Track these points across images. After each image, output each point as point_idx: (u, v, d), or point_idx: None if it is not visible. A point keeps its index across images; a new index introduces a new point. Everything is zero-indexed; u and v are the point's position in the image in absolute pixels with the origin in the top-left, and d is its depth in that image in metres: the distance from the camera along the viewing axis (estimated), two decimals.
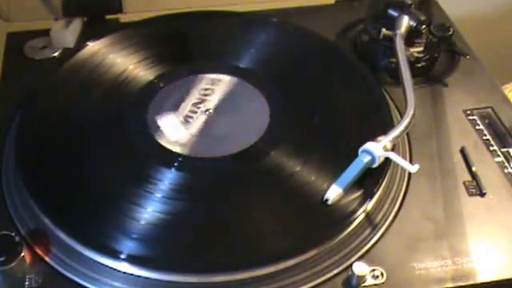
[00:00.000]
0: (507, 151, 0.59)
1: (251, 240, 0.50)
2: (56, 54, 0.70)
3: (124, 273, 0.48)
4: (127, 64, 0.65)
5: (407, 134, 0.59)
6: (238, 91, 0.63)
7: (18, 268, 0.47)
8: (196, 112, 0.61)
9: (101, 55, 0.65)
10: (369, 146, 0.53)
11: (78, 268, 0.48)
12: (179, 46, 0.69)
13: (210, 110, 0.61)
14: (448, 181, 0.56)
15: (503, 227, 0.53)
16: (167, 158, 0.55)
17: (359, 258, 0.50)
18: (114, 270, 0.48)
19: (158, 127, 0.58)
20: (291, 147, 0.56)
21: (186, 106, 0.61)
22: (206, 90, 0.62)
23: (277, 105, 0.61)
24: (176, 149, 0.56)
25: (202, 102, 0.62)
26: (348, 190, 0.52)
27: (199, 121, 0.60)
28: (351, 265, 0.48)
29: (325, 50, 0.68)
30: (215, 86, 0.63)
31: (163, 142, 0.57)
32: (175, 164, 0.55)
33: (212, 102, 0.62)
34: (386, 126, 0.56)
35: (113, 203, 0.52)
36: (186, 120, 0.60)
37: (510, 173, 0.57)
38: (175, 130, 0.58)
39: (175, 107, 0.61)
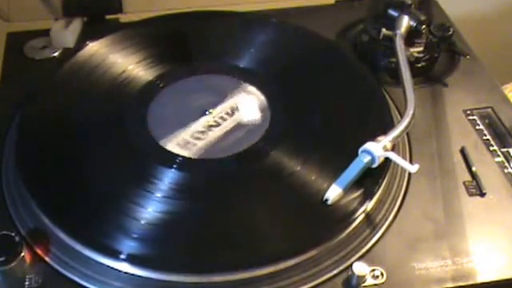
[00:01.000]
0: (507, 151, 0.59)
1: (251, 240, 0.50)
2: (56, 54, 0.70)
3: (124, 273, 0.48)
4: (127, 64, 0.65)
5: (407, 134, 0.59)
6: (237, 91, 0.63)
7: (18, 268, 0.47)
8: (196, 113, 0.60)
9: (101, 55, 0.65)
10: (369, 145, 0.53)
11: (78, 268, 0.48)
12: (179, 46, 0.69)
13: (210, 110, 0.61)
14: (448, 181, 0.56)
15: (503, 227, 0.53)
16: (167, 157, 0.55)
17: (359, 258, 0.50)
18: (114, 269, 0.48)
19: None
20: (291, 147, 0.56)
21: (198, 127, 0.60)
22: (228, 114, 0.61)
23: (277, 105, 0.61)
24: (176, 150, 0.56)
25: (217, 125, 0.60)
26: (348, 190, 0.52)
27: (199, 122, 0.60)
28: (351, 265, 0.48)
29: (325, 50, 0.68)
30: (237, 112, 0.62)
31: (163, 143, 0.57)
32: (175, 164, 0.55)
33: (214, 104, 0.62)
34: (385, 126, 0.56)
35: (113, 203, 0.52)
36: (187, 122, 0.60)
37: (510, 173, 0.57)
38: (185, 148, 0.57)
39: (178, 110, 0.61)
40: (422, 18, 0.65)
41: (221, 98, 0.62)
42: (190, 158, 0.55)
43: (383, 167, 0.54)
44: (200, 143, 0.57)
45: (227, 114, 0.60)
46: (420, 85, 0.66)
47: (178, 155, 0.55)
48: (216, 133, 0.58)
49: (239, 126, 0.59)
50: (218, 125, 0.59)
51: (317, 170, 0.54)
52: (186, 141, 0.57)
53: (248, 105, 0.60)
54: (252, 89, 0.62)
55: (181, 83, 0.64)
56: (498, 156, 0.59)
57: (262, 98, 0.62)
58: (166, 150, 0.56)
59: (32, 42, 0.71)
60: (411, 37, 0.66)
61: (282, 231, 0.51)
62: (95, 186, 0.53)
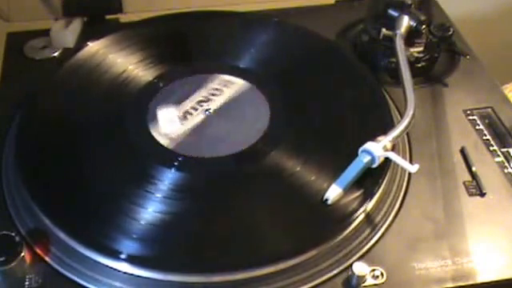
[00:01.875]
0: (507, 151, 0.59)
1: (251, 240, 0.50)
2: (56, 54, 0.70)
3: (124, 273, 0.48)
4: (127, 64, 0.65)
5: (407, 134, 0.59)
6: (237, 91, 0.63)
7: (18, 268, 0.47)
8: (197, 110, 0.60)
9: (101, 55, 0.65)
10: (369, 145, 0.53)
11: (78, 268, 0.48)
12: (179, 46, 0.69)
13: (210, 110, 0.61)
14: (448, 181, 0.56)
15: (503, 227, 0.53)
16: (167, 157, 0.55)
17: (359, 258, 0.50)
18: (114, 269, 0.48)
19: (156, 117, 0.58)
20: (291, 147, 0.56)
21: (190, 103, 0.61)
22: (216, 90, 0.62)
23: (277, 105, 0.61)
24: (174, 147, 0.56)
25: (208, 101, 0.62)
26: (348, 190, 0.52)
27: (197, 119, 0.60)
28: (351, 265, 0.48)
29: (325, 50, 0.68)
30: (225, 88, 0.63)
31: (156, 135, 0.57)
32: (175, 164, 0.55)
33: (215, 102, 0.62)
34: (385, 126, 0.56)
35: (113, 203, 0.52)
36: (185, 116, 0.60)
37: (510, 173, 0.57)
38: (170, 123, 0.58)
39: (178, 101, 0.61)
40: (422, 18, 0.65)
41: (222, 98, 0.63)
42: (190, 158, 0.55)
43: (383, 167, 0.54)
44: (187, 124, 0.59)
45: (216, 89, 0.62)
46: (420, 85, 0.66)
47: (178, 155, 0.55)
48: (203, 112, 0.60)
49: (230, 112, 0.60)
50: (208, 100, 0.61)
51: (317, 170, 0.54)
52: (176, 117, 0.58)
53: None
54: (260, 96, 0.63)
55: (181, 83, 0.64)
56: (498, 156, 0.59)
57: (264, 102, 0.62)
58: (166, 149, 0.56)
59: (32, 42, 0.71)
60: (411, 37, 0.66)
61: (282, 231, 0.51)
62: (95, 186, 0.53)
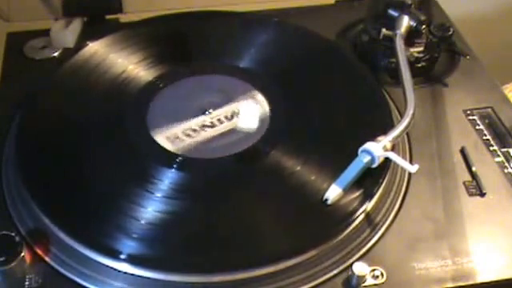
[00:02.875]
0: (507, 151, 0.59)
1: (251, 240, 0.50)
2: (56, 54, 0.70)
3: (124, 273, 0.48)
4: (127, 64, 0.65)
5: (407, 134, 0.59)
6: (237, 91, 0.63)
7: (18, 268, 0.47)
8: (196, 113, 0.60)
9: (101, 55, 0.65)
10: (368, 145, 0.53)
11: (78, 268, 0.48)
12: (179, 46, 0.69)
13: (210, 110, 0.61)
14: (448, 181, 0.56)
15: (503, 227, 0.53)
16: (167, 157, 0.55)
17: (359, 258, 0.50)
18: (114, 269, 0.48)
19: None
20: (291, 147, 0.56)
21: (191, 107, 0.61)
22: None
23: (277, 105, 0.61)
24: (175, 148, 0.56)
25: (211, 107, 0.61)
26: (348, 190, 0.52)
27: (195, 120, 0.60)
28: (351, 265, 0.48)
29: (325, 50, 0.68)
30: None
31: (160, 140, 0.57)
32: (175, 164, 0.55)
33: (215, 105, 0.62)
34: (385, 126, 0.56)
35: (113, 203, 0.52)
36: (186, 118, 0.60)
37: (510, 173, 0.57)
38: (170, 128, 0.58)
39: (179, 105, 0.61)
40: (422, 18, 0.65)
41: (223, 99, 0.62)
42: (190, 158, 0.55)
43: (383, 167, 0.54)
44: (189, 140, 0.57)
45: (226, 117, 0.60)
46: (420, 85, 0.66)
47: (178, 155, 0.55)
48: (208, 133, 0.58)
49: (233, 131, 0.59)
50: (213, 126, 0.59)
51: (317, 170, 0.54)
52: (176, 135, 0.57)
53: (250, 112, 0.60)
54: (259, 96, 0.62)
55: (181, 83, 0.64)
56: (498, 156, 0.59)
57: (264, 102, 0.61)
58: (166, 149, 0.56)
59: (32, 42, 0.71)
60: (411, 37, 0.66)
61: (282, 231, 0.51)
62: (95, 186, 0.53)
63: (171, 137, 0.57)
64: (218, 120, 0.60)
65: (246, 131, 0.57)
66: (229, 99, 0.62)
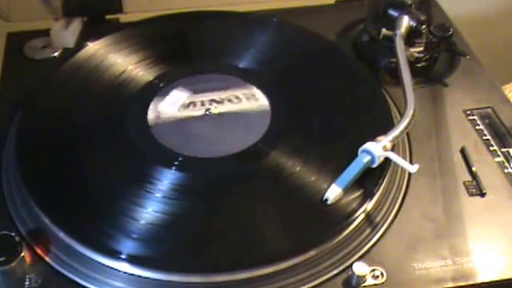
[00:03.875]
0: (507, 151, 0.59)
1: (251, 240, 0.50)
2: (56, 54, 0.70)
3: (124, 273, 0.48)
4: (127, 64, 0.65)
5: (407, 134, 0.59)
6: (237, 91, 0.63)
7: (18, 268, 0.47)
8: (197, 107, 0.61)
9: (101, 55, 0.65)
10: (368, 145, 0.53)
11: (78, 268, 0.48)
12: (179, 46, 0.69)
13: (210, 110, 0.61)
14: (448, 181, 0.56)
15: (503, 227, 0.53)
16: (167, 157, 0.55)
17: (359, 258, 0.50)
18: (114, 269, 0.48)
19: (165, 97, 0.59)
20: (291, 147, 0.56)
21: (202, 97, 0.62)
22: (236, 98, 0.62)
23: (277, 105, 0.61)
24: (176, 148, 0.56)
25: (219, 102, 0.62)
26: (348, 190, 0.52)
27: (196, 113, 0.60)
28: (351, 265, 0.48)
29: (325, 50, 0.68)
30: (245, 100, 0.63)
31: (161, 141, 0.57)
32: (175, 164, 0.55)
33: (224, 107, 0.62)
34: (385, 126, 0.56)
35: (113, 203, 0.52)
36: (188, 105, 0.61)
37: (510, 173, 0.57)
38: (171, 106, 0.59)
39: (193, 91, 0.62)
40: (422, 18, 0.65)
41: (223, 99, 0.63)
42: (190, 158, 0.55)
43: (383, 167, 0.54)
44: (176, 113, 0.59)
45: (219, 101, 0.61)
46: (420, 85, 0.66)
47: (178, 155, 0.55)
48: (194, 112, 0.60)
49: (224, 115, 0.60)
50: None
51: (317, 170, 0.54)
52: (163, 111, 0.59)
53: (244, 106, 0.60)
54: (259, 96, 0.62)
55: (181, 83, 0.64)
56: (498, 156, 0.59)
57: (264, 102, 0.61)
58: (166, 149, 0.56)
59: (32, 42, 0.71)
60: (411, 37, 0.66)
61: (282, 231, 0.51)
62: (95, 186, 0.53)
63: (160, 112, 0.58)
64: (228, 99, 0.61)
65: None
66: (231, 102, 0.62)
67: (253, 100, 0.62)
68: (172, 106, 0.61)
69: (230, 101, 0.62)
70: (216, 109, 0.61)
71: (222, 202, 0.53)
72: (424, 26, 0.66)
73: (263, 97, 0.62)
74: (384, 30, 0.66)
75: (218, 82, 0.64)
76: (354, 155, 0.53)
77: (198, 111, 0.61)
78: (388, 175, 0.54)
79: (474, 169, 0.57)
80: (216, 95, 0.62)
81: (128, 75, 0.64)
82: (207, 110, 0.61)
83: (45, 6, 0.71)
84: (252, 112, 0.61)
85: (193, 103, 0.61)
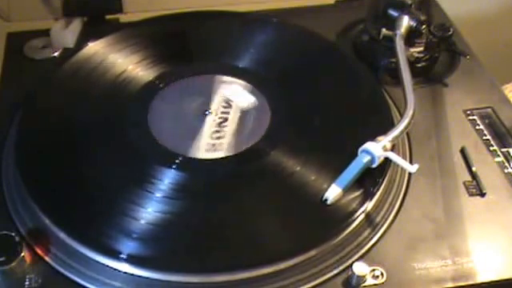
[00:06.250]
0: (507, 151, 0.59)
1: (251, 240, 0.50)
2: (56, 54, 0.70)
3: (124, 273, 0.48)
4: (127, 64, 0.65)
5: (407, 134, 0.59)
6: (237, 91, 0.63)
7: (18, 268, 0.47)
8: (197, 113, 0.61)
9: (101, 55, 0.65)
10: (368, 145, 0.53)
11: (78, 268, 0.48)
12: (179, 46, 0.69)
13: (210, 110, 0.61)
14: (448, 181, 0.56)
15: (503, 227, 0.53)
16: (167, 157, 0.55)
17: (359, 258, 0.50)
18: (114, 269, 0.48)
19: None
20: (291, 147, 0.56)
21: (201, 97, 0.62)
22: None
23: (277, 105, 0.61)
24: (209, 155, 0.56)
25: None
26: (348, 190, 0.52)
27: (207, 124, 0.60)
28: (351, 265, 0.48)
29: (325, 49, 0.68)
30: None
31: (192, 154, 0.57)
32: (175, 164, 0.55)
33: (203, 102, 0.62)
34: (385, 126, 0.56)
35: (113, 203, 0.52)
36: (188, 105, 0.61)
37: (510, 173, 0.57)
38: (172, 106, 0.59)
39: (193, 91, 0.63)
40: (422, 18, 0.65)
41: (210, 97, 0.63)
42: (190, 158, 0.55)
43: (383, 167, 0.54)
44: (225, 140, 0.57)
45: (225, 107, 0.61)
46: (420, 85, 0.66)
47: (178, 155, 0.55)
48: (230, 126, 0.59)
49: (244, 113, 0.60)
50: (226, 120, 0.60)
51: (317, 170, 0.54)
52: (211, 144, 0.57)
53: (236, 92, 0.60)
54: (259, 96, 0.62)
55: (181, 83, 0.64)
56: (498, 156, 0.59)
57: (264, 102, 0.62)
58: (166, 149, 0.56)
59: (32, 42, 0.71)
60: (411, 37, 0.66)
61: (282, 231, 0.51)
62: (95, 186, 0.53)
63: (208, 148, 0.57)
64: (223, 113, 0.60)
65: (252, 106, 0.58)
66: (213, 94, 0.62)
67: (253, 100, 0.62)
68: (172, 105, 0.61)
69: (229, 101, 0.62)
70: (216, 109, 0.61)
71: (221, 201, 0.53)
72: (424, 26, 0.66)
73: (263, 97, 0.62)
74: (384, 30, 0.66)
75: (218, 82, 0.64)
76: (353, 155, 0.53)
77: (198, 111, 0.61)
78: (388, 175, 0.54)
79: (474, 169, 0.57)
80: (216, 95, 0.62)
81: (128, 75, 0.64)
82: (207, 110, 0.61)
83: (45, 6, 0.71)
84: (252, 112, 0.61)
85: (193, 103, 0.61)
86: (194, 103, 0.62)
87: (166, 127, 0.59)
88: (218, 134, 0.58)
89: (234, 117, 0.60)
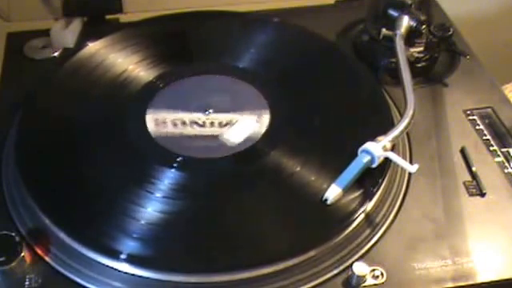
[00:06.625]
0: (507, 151, 0.59)
1: (251, 240, 0.50)
2: (56, 54, 0.70)
3: (124, 273, 0.48)
4: (127, 64, 0.65)
5: (407, 134, 0.59)
6: (237, 91, 0.63)
7: (18, 268, 0.47)
8: (198, 114, 0.60)
9: (101, 55, 0.65)
10: (368, 145, 0.53)
11: (78, 268, 0.48)
12: (179, 46, 0.69)
13: (210, 110, 0.61)
14: (448, 181, 0.56)
15: (503, 227, 0.53)
16: (167, 157, 0.55)
17: (359, 258, 0.50)
18: (114, 269, 0.48)
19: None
20: (291, 147, 0.56)
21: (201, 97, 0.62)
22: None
23: (277, 105, 0.61)
24: (154, 131, 0.56)
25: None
26: (348, 190, 0.52)
27: (191, 115, 0.60)
28: (351, 265, 0.48)
29: (325, 49, 0.68)
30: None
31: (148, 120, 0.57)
32: (175, 164, 0.55)
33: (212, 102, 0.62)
34: (385, 126, 0.56)
35: (113, 203, 0.52)
36: (188, 106, 0.60)
37: (510, 173, 0.57)
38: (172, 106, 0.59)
39: (193, 91, 0.63)
40: (422, 18, 0.65)
41: (224, 100, 0.62)
42: (190, 158, 0.55)
43: (383, 167, 0.54)
44: (225, 140, 0.57)
45: (220, 123, 0.60)
46: (420, 85, 0.66)
47: (178, 155, 0.55)
48: (194, 131, 0.59)
49: (215, 138, 0.58)
50: (202, 126, 0.59)
51: (317, 170, 0.54)
52: (164, 120, 0.58)
53: (242, 129, 0.59)
54: (259, 96, 0.62)
55: (181, 83, 0.64)
56: (498, 156, 0.59)
57: (264, 102, 0.61)
58: (166, 149, 0.56)
59: (32, 42, 0.71)
60: (411, 37, 0.66)
61: (282, 231, 0.51)
62: (95, 186, 0.53)
63: (159, 119, 0.58)
64: (211, 123, 0.60)
65: (227, 143, 0.57)
66: (231, 103, 0.62)
67: (253, 100, 0.62)
68: (172, 105, 0.61)
69: (229, 101, 0.62)
70: (216, 109, 0.61)
71: (221, 202, 0.53)
72: (424, 26, 0.66)
73: (263, 97, 0.62)
74: (384, 30, 0.66)
75: (218, 82, 0.64)
76: (353, 155, 0.53)
77: (198, 111, 0.61)
78: (388, 175, 0.54)
79: (474, 169, 0.57)
80: (216, 95, 0.62)
81: (128, 75, 0.64)
82: (207, 110, 0.61)
83: (45, 6, 0.71)
84: (252, 112, 0.61)
85: (193, 103, 0.61)
86: (194, 103, 0.62)
87: (165, 127, 0.59)
88: (218, 134, 0.58)
89: (234, 117, 0.60)
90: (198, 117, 0.60)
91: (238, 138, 0.57)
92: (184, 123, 0.59)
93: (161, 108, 0.60)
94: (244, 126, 0.58)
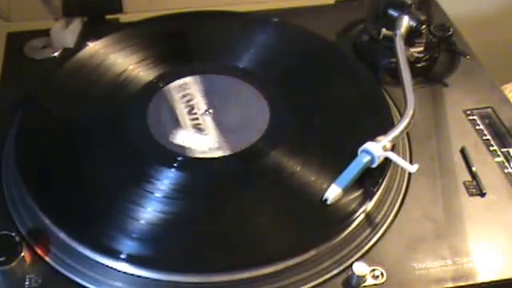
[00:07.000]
0: (507, 151, 0.59)
1: (251, 240, 0.50)
2: (56, 54, 0.70)
3: (124, 273, 0.48)
4: (127, 64, 0.65)
5: (407, 134, 0.59)
6: (237, 91, 0.63)
7: (18, 268, 0.47)
8: (197, 118, 0.60)
9: (101, 55, 0.65)
10: (368, 145, 0.53)
11: (78, 268, 0.48)
12: (179, 46, 0.69)
13: (210, 110, 0.61)
14: (448, 181, 0.56)
15: (503, 227, 0.53)
16: (167, 157, 0.55)
17: (359, 258, 0.50)
18: (114, 269, 0.48)
19: (182, 146, 0.57)
20: (291, 147, 0.56)
21: (185, 117, 0.60)
22: (184, 96, 0.62)
23: (277, 105, 0.61)
24: (176, 148, 0.56)
25: (193, 107, 0.61)
26: (348, 190, 0.52)
27: (208, 122, 0.60)
28: (351, 265, 0.48)
29: (325, 49, 0.68)
30: (188, 90, 0.63)
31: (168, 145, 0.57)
32: (175, 164, 0.55)
33: (200, 103, 0.62)
34: (385, 126, 0.56)
35: (113, 203, 0.52)
36: (197, 127, 0.59)
37: (510, 173, 0.57)
38: (195, 140, 0.58)
39: (193, 92, 0.62)
40: (422, 18, 0.65)
41: (224, 101, 0.62)
42: (190, 158, 0.55)
43: (383, 167, 0.54)
44: (225, 140, 0.57)
45: (220, 124, 0.60)
46: (420, 85, 0.66)
47: (177, 155, 0.55)
48: (231, 126, 0.59)
49: (215, 138, 0.58)
50: (226, 120, 0.60)
51: (317, 170, 0.54)
52: (211, 144, 0.57)
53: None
54: (259, 96, 0.62)
55: (181, 83, 0.64)
56: (498, 156, 0.59)
57: (264, 102, 0.61)
58: (166, 149, 0.56)
59: (32, 42, 0.71)
60: (411, 37, 0.66)
61: (282, 231, 0.51)
62: (95, 186, 0.53)
63: (208, 148, 0.57)
64: (211, 123, 0.60)
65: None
66: (231, 103, 0.62)
67: (253, 100, 0.62)
68: (172, 106, 0.61)
69: (229, 101, 0.62)
70: (216, 109, 0.61)
71: (221, 201, 0.53)
72: (424, 26, 0.66)
73: (263, 97, 0.62)
74: (384, 30, 0.66)
75: (218, 82, 0.64)
76: (353, 155, 0.53)
77: (198, 111, 0.61)
78: (388, 175, 0.54)
79: (474, 169, 0.57)
80: (216, 95, 0.62)
81: (128, 75, 0.64)
82: (207, 110, 0.61)
83: (45, 6, 0.71)
84: (252, 112, 0.61)
85: (193, 103, 0.61)
86: (194, 103, 0.62)
87: (166, 127, 0.59)
88: (218, 134, 0.58)
89: (234, 117, 0.60)
90: (198, 117, 0.60)
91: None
92: (184, 123, 0.59)
93: (161, 107, 0.60)
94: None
